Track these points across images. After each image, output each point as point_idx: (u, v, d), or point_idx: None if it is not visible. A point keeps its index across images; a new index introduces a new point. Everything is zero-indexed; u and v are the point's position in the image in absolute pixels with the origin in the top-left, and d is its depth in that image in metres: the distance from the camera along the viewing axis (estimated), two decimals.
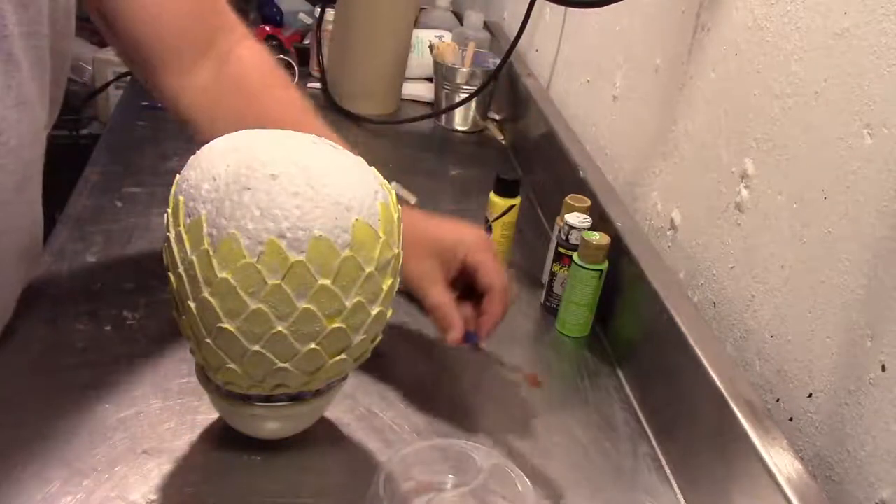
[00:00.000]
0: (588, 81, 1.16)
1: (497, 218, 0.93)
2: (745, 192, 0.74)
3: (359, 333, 0.57)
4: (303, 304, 0.53)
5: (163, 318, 0.76)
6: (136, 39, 0.74)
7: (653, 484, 0.68)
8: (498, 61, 1.27)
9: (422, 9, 1.60)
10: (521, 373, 0.80)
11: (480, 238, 0.75)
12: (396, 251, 0.58)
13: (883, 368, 0.56)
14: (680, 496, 0.68)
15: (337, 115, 1.33)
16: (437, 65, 1.36)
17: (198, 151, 0.58)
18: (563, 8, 1.26)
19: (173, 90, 0.77)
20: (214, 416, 0.66)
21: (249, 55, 0.80)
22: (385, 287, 0.58)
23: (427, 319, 0.73)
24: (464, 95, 1.31)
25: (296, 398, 0.61)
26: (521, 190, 0.94)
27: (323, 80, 1.38)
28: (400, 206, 0.60)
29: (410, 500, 0.60)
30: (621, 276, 0.84)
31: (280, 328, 0.54)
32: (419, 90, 1.46)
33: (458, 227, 0.76)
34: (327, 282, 0.53)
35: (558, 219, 0.90)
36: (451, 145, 1.35)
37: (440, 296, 0.72)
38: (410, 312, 0.84)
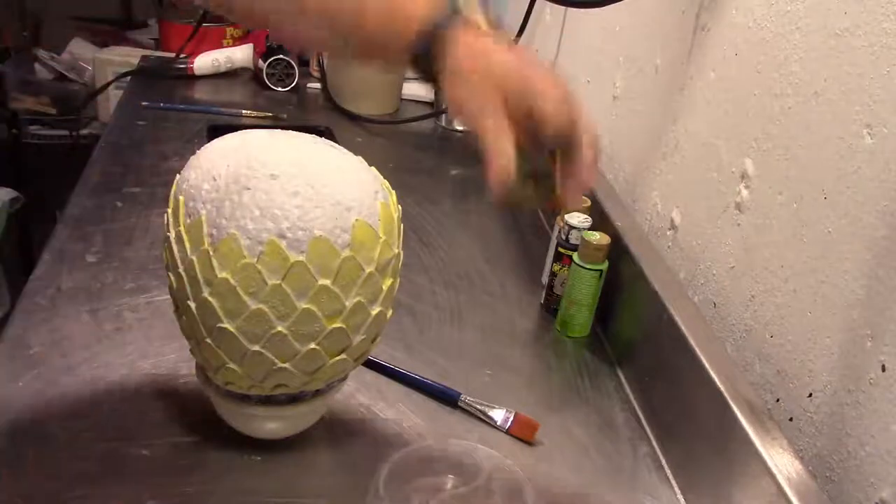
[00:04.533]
0: (588, 81, 1.16)
1: None
2: (745, 192, 0.74)
3: (359, 333, 0.57)
4: (303, 305, 0.53)
5: (163, 318, 0.76)
6: None
7: (653, 484, 0.68)
8: None
9: None
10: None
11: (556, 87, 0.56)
12: (396, 251, 0.58)
13: (883, 368, 0.56)
14: (680, 496, 0.68)
15: (337, 115, 1.33)
16: None
17: (198, 151, 0.58)
18: (563, 8, 1.25)
19: None
20: (214, 416, 0.66)
21: None
22: (385, 287, 0.58)
23: (426, 319, 0.73)
24: None
25: (296, 398, 0.61)
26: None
27: (323, 80, 1.38)
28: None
29: (410, 500, 0.60)
30: (621, 276, 0.84)
31: (280, 328, 0.54)
32: (419, 90, 1.46)
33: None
34: (327, 282, 0.53)
35: (558, 219, 0.90)
36: (451, 145, 1.35)
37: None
38: (411, 311, 0.84)
